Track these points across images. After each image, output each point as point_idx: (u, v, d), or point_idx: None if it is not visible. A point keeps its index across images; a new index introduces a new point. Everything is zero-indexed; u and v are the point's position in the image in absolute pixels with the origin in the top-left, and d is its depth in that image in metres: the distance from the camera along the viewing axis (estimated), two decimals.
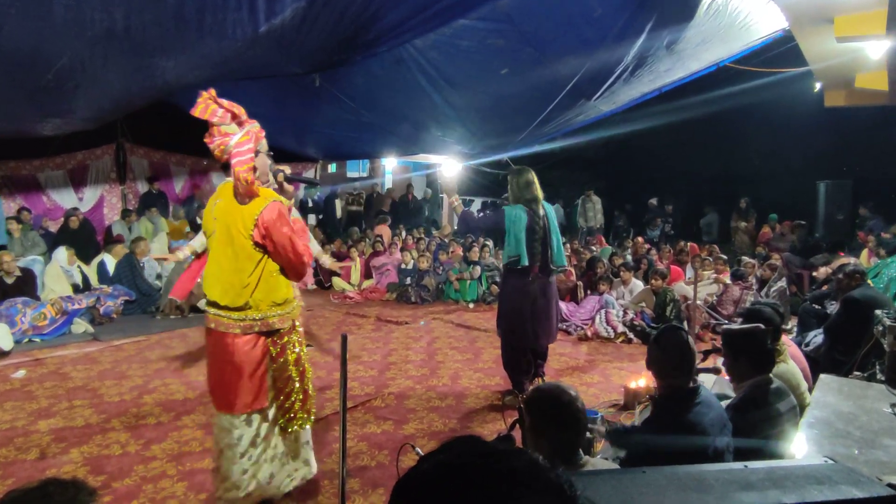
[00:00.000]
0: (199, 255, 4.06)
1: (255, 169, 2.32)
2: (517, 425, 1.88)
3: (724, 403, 2.38)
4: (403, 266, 8.62)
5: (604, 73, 6.95)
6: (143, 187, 9.90)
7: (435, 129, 9.23)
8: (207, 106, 2.24)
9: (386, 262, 8.84)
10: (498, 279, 8.52)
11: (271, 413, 2.46)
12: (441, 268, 8.63)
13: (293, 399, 2.46)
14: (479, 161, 13.09)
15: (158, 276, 7.59)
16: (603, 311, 6.35)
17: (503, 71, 6.71)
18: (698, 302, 5.75)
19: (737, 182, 13.49)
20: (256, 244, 2.32)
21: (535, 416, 1.76)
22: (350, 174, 16.59)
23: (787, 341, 3.11)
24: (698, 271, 7.01)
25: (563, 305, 6.78)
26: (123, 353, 5.39)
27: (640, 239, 9.98)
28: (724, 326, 2.60)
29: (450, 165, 13.55)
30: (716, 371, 2.94)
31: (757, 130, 13.02)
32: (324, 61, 5.84)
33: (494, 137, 9.81)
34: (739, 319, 3.63)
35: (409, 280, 8.33)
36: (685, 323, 5.98)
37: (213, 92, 2.28)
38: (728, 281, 7.03)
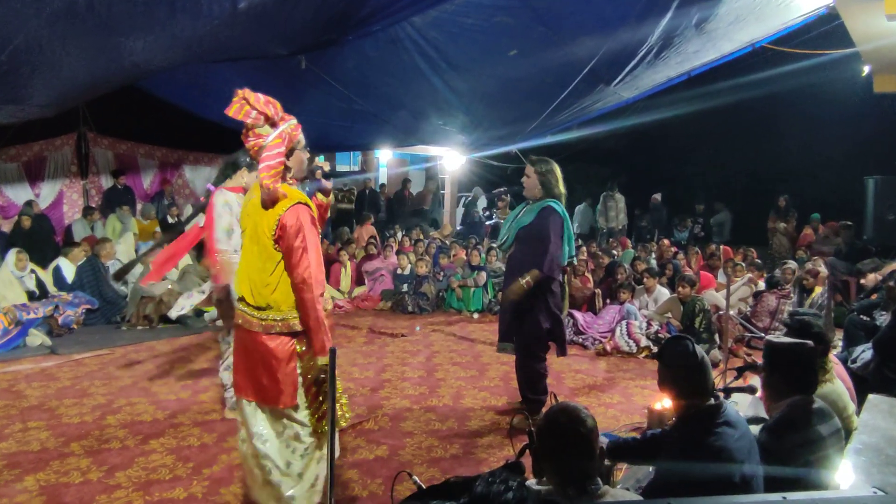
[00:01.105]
0: (179, 236, 4.14)
1: (284, 173, 2.53)
2: (527, 451, 1.88)
3: (758, 427, 2.38)
4: (399, 271, 8.63)
5: (625, 56, 6.96)
6: (107, 182, 9.92)
7: (435, 118, 9.25)
8: (242, 107, 2.45)
9: (380, 266, 8.85)
10: None
11: (303, 415, 2.63)
12: (442, 273, 8.64)
13: (326, 400, 2.61)
14: (484, 153, 13.12)
15: (125, 282, 7.60)
16: (624, 323, 6.35)
17: (512, 52, 6.73)
18: (731, 312, 5.75)
19: (775, 177, 13.48)
20: (277, 245, 2.51)
21: (545, 440, 1.76)
22: (340, 168, 16.61)
23: (833, 359, 3.10)
24: (731, 278, 7.01)
25: (579, 316, 6.78)
26: (85, 368, 5.40)
27: (665, 241, 9.98)
28: (768, 337, 2.59)
29: (452, 158, 13.62)
30: (751, 391, 2.94)
31: (797, 119, 13.02)
32: (311, 41, 5.86)
33: (502, 127, 9.83)
34: (782, 330, 3.63)
35: (405, 287, 8.34)
36: (717, 336, 5.98)
37: (247, 92, 2.48)
38: (762, 286, 7.02)
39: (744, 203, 13.05)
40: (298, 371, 2.59)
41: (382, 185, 13.99)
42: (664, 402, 3.98)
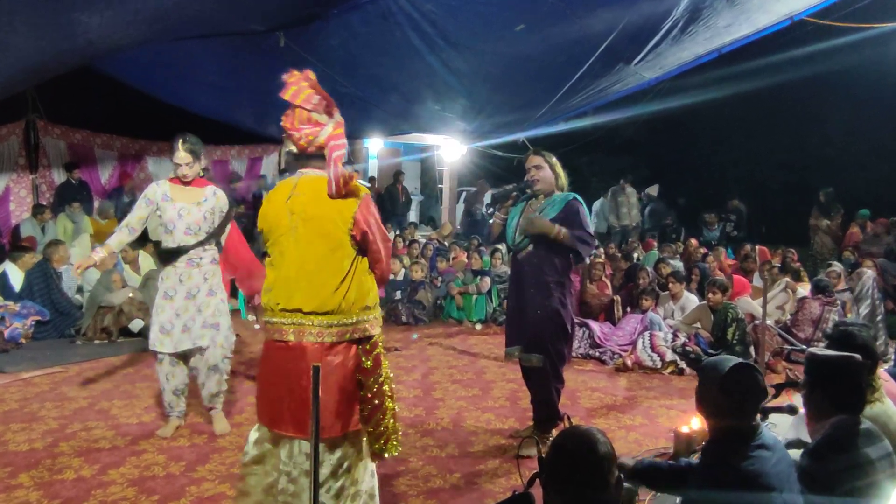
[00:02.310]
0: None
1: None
2: (537, 479, 1.88)
3: (799, 452, 2.38)
4: (392, 277, 8.63)
5: (647, 31, 6.97)
6: (60, 176, 9.91)
7: (432, 102, 9.26)
8: (301, 90, 2.48)
9: None
10: None
11: (362, 437, 2.67)
12: (440, 279, 8.64)
13: (388, 419, 2.67)
14: (487, 142, 13.14)
15: (80, 290, 7.59)
16: (647, 334, 6.35)
17: (519, 27, 6.74)
18: (769, 322, 5.76)
19: (815, 168, 13.53)
20: (354, 240, 2.59)
21: (552, 468, 1.76)
22: None
23: (884, 375, 3.10)
24: (768, 282, 7.02)
25: (595, 326, 6.79)
26: (34, 388, 5.39)
27: (693, 241, 10.00)
28: (810, 349, 2.61)
29: (451, 148, 13.65)
30: (791, 410, 2.93)
31: (843, 103, 13.06)
32: (290, 16, 5.87)
33: (507, 112, 9.84)
34: (825, 343, 3.63)
35: (398, 294, 8.34)
36: (751, 348, 5.98)
37: (310, 74, 2.52)
38: (804, 292, 7.02)
39: (781, 198, 13.09)
40: (359, 388, 2.62)
41: (372, 179, 13.99)
42: (692, 425, 3.98)
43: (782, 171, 14.67)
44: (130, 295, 7.08)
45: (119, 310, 6.97)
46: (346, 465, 2.62)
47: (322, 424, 2.46)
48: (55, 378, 5.65)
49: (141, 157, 11.04)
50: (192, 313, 4.17)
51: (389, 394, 2.69)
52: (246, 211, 10.38)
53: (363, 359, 2.61)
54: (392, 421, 2.70)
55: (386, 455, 2.71)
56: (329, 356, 2.54)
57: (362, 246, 2.61)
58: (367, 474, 2.73)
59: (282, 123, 2.59)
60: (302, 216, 2.57)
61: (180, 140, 4.09)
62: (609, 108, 10.63)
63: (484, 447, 4.27)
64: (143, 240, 8.88)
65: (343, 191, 2.52)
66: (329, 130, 2.55)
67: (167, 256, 4.16)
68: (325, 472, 2.57)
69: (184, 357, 4.26)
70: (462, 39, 6.95)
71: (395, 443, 2.72)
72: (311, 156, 2.61)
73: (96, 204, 9.92)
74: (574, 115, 10.79)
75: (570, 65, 7.56)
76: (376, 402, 2.62)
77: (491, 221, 4.32)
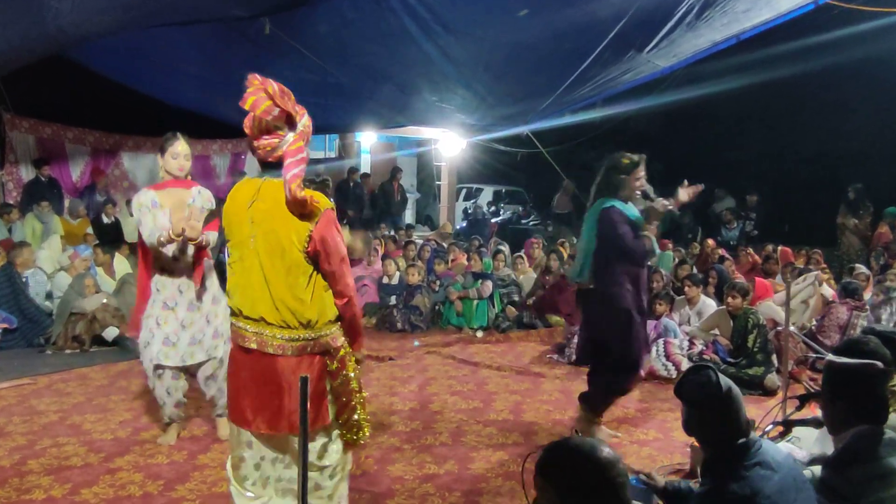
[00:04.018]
0: (145, 268, 4.23)
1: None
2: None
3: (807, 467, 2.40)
4: (386, 280, 8.63)
5: (660, 16, 6.99)
6: (28, 173, 9.92)
7: (428, 93, 9.27)
8: (261, 101, 2.51)
9: (362, 274, 8.85)
10: (516, 297, 8.52)
11: (334, 429, 2.88)
12: (438, 282, 8.64)
13: (358, 411, 2.90)
14: (488, 136, 13.16)
15: (49, 296, 7.59)
16: (661, 342, 6.35)
17: (522, 12, 6.76)
18: (792, 328, 5.76)
19: (843, 163, 13.54)
20: (309, 257, 2.68)
21: (554, 485, 1.76)
22: (314, 154, 16.64)
23: None
24: (791, 285, 7.02)
25: None
26: (0, 401, 5.39)
27: (710, 242, 10.01)
28: (828, 357, 2.62)
29: (449, 142, 13.67)
30: (816, 423, 2.94)
31: (872, 93, 13.06)
32: (277, 1, 5.88)
33: (510, 104, 9.86)
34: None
35: (393, 300, 8.34)
36: (774, 357, 5.98)
37: (267, 82, 2.54)
38: (829, 294, 7.02)
39: (806, 195, 13.09)
40: (328, 388, 2.79)
41: (366, 175, 13.99)
42: None
43: (807, 166, 14.67)
44: (104, 301, 7.08)
45: (92, 317, 6.97)
46: (330, 448, 2.86)
47: (291, 421, 2.72)
48: (23, 390, 5.65)
49: (115, 152, 11.05)
50: (200, 325, 4.20)
51: (357, 389, 2.88)
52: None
53: (328, 362, 2.78)
54: (362, 413, 2.91)
55: (360, 443, 2.94)
56: (293, 366, 2.71)
57: (317, 264, 2.70)
58: (346, 455, 2.98)
59: (244, 126, 2.66)
60: (261, 227, 2.66)
61: (180, 133, 4.12)
62: (619, 99, 10.66)
63: (486, 464, 4.27)
64: (116, 242, 8.90)
65: (298, 211, 2.60)
66: (288, 142, 2.60)
67: (161, 265, 4.15)
68: (312, 458, 2.78)
69: (184, 369, 4.27)
70: (461, 26, 6.96)
71: (365, 430, 2.94)
72: (272, 164, 2.67)
73: (67, 203, 9.92)
74: (581, 107, 10.81)
75: (577, 53, 7.57)
76: (344, 399, 2.82)
77: (644, 239, 4.35)
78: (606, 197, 4.36)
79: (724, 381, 2.26)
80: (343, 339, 2.84)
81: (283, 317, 2.69)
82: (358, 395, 2.88)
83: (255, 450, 2.86)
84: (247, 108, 2.54)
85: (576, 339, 6.75)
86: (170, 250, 4.02)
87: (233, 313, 2.80)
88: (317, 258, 2.67)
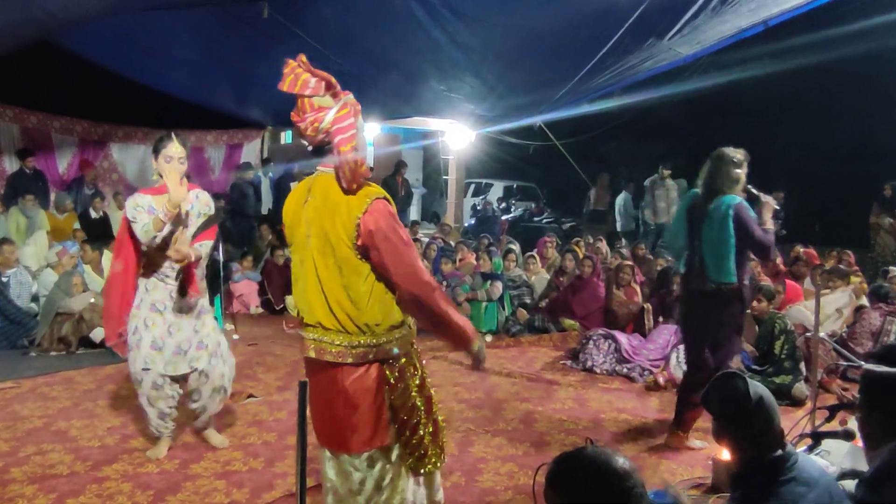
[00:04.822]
0: (125, 270, 4.20)
1: (357, 149, 2.63)
2: None
3: (850, 483, 2.38)
4: None
5: (682, 1, 6.96)
6: (12, 165, 9.96)
7: (436, 82, 9.27)
8: (297, 77, 2.56)
9: None
10: (527, 299, 8.51)
11: (395, 452, 2.83)
12: (444, 283, 8.65)
13: (421, 433, 2.83)
14: (499, 128, 13.14)
15: (34, 299, 7.61)
16: (681, 348, 6.33)
17: None
18: (821, 334, 5.73)
19: (878, 158, 13.45)
20: (361, 255, 2.64)
21: (567, 498, 1.75)
22: None
23: None
24: (821, 289, 6.99)
25: (622, 339, 6.79)
26: None
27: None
28: (866, 366, 2.61)
29: (457, 134, 13.66)
30: (847, 436, 2.93)
31: None
32: None
33: (523, 93, 9.84)
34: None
35: None
36: (802, 365, 5.96)
37: (303, 58, 2.61)
38: (864, 301, 6.98)
39: (838, 192, 13.01)
40: (388, 404, 2.76)
41: (369, 169, 14.01)
42: None
43: (839, 161, 14.58)
44: (92, 300, 7.10)
45: (79, 317, 7.00)
46: (388, 478, 2.80)
47: (350, 438, 2.74)
48: (6, 394, 5.67)
49: (104, 143, 11.09)
50: (187, 334, 4.20)
51: (423, 407, 2.84)
52: (225, 206, 10.42)
53: (387, 373, 2.75)
54: (429, 437, 2.86)
55: (422, 471, 2.87)
56: (351, 375, 2.70)
57: (370, 261, 2.64)
58: (412, 486, 2.90)
59: (291, 118, 2.68)
60: (314, 226, 2.67)
61: (174, 133, 4.08)
62: (639, 87, 10.61)
63: (494, 475, 4.27)
64: (105, 238, 8.93)
65: (354, 182, 2.59)
66: (333, 114, 2.60)
67: (154, 267, 4.15)
68: (368, 486, 2.78)
69: (173, 378, 4.27)
70: (470, 10, 6.95)
71: (433, 460, 2.88)
72: (322, 148, 2.67)
73: (53, 196, 9.96)
74: (599, 96, 10.77)
75: (594, 39, 7.56)
76: (404, 417, 2.78)
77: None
78: (726, 192, 4.45)
79: (755, 389, 2.23)
80: (408, 347, 2.81)
81: (340, 320, 2.67)
82: (422, 414, 2.83)
83: (329, 470, 2.86)
84: (286, 88, 2.56)
85: (590, 345, 6.79)
86: (160, 237, 3.93)
87: (300, 322, 2.81)
88: (367, 254, 2.62)
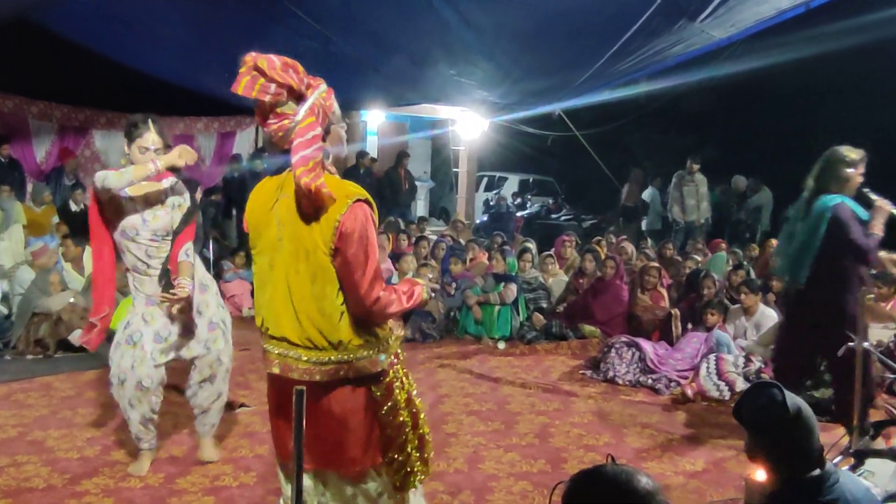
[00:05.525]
0: (100, 259, 4.26)
1: (323, 164, 2.57)
2: None
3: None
4: (395, 282, 8.64)
5: None
6: None
7: (445, 66, 9.26)
8: (254, 81, 2.47)
9: None
10: (544, 303, 8.50)
11: (384, 473, 2.86)
12: (454, 285, 8.65)
13: (408, 450, 2.85)
14: (514, 116, 13.14)
15: (4, 297, 7.64)
16: (712, 357, 6.32)
17: None
18: (866, 345, 5.69)
19: None
20: (336, 260, 2.61)
21: None
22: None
23: None
24: (865, 294, 6.95)
25: (648, 347, 6.77)
26: None
27: (772, 242, 9.93)
28: None
29: (469, 123, 13.66)
30: (894, 455, 2.92)
31: None
32: None
33: (540, 79, 9.83)
34: None
35: None
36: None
37: (258, 58, 2.49)
38: None
39: (886, 187, 12.92)
40: (378, 420, 2.77)
41: (372, 161, 14.01)
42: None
43: (888, 153, 14.49)
44: (71, 300, 7.13)
45: (57, 318, 7.02)
46: (385, 495, 2.86)
47: (342, 457, 2.77)
48: None
49: (86, 130, 11.13)
50: (190, 315, 4.20)
51: (410, 422, 2.85)
52: (216, 200, 10.45)
53: (372, 389, 2.74)
54: (416, 453, 2.88)
55: (408, 489, 2.89)
56: (333, 394, 2.71)
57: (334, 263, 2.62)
58: (415, 500, 2.99)
59: (257, 121, 2.65)
60: (288, 228, 2.61)
61: (150, 119, 4.08)
62: (668, 74, 10.58)
63: (506, 495, 4.27)
64: (87, 233, 8.95)
65: (311, 208, 2.54)
66: (298, 122, 2.53)
67: (134, 265, 4.17)
68: (360, 501, 2.86)
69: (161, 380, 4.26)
70: None
71: (420, 476, 2.91)
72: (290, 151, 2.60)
73: (30, 187, 10.01)
74: (624, 83, 10.75)
75: (619, 20, 7.54)
76: (390, 434, 2.79)
77: (873, 238, 4.64)
78: (832, 192, 4.59)
79: (793, 401, 2.23)
80: (386, 358, 2.77)
81: (309, 334, 2.63)
82: (409, 430, 2.85)
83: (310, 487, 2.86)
84: (240, 92, 2.49)
85: (612, 353, 6.77)
86: (129, 187, 3.95)
87: (262, 333, 2.77)
88: (336, 257, 2.60)
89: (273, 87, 2.48)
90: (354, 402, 2.72)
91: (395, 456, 2.81)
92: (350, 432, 2.72)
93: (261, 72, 2.46)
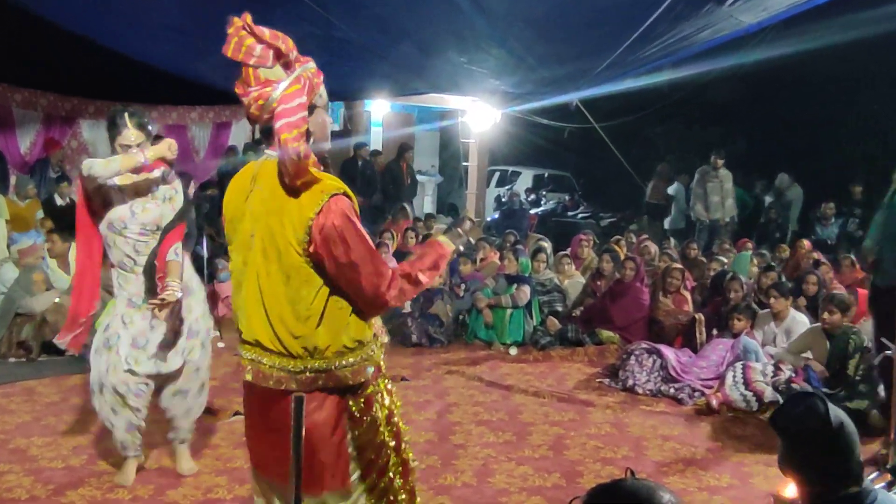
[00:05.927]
0: (87, 255, 4.28)
1: (308, 135, 2.53)
2: None
3: None
4: None
5: None
6: None
7: (455, 53, 9.26)
8: (242, 41, 2.45)
9: None
10: (559, 306, 8.49)
11: (360, 497, 2.69)
12: (463, 286, 8.65)
13: (391, 475, 2.73)
14: (528, 107, 13.11)
15: None
16: (739, 366, 6.30)
17: None
18: None
19: None
20: (315, 263, 2.52)
21: None
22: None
23: None
24: None
25: (670, 354, 6.75)
26: None
27: (804, 242, 9.90)
28: None
29: (480, 114, 13.64)
30: None
31: None
32: None
33: (556, 66, 9.81)
34: None
35: (408, 307, 8.35)
36: (881, 388, 5.91)
37: (247, 18, 2.49)
38: None
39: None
40: (349, 439, 2.64)
41: (376, 153, 14.02)
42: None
43: None
44: (56, 300, 7.15)
45: (41, 319, 7.05)
46: None
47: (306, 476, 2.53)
48: None
49: (73, 119, 11.15)
50: (172, 322, 4.20)
51: (391, 441, 2.75)
52: (210, 194, 10.46)
53: (350, 403, 2.63)
54: (399, 478, 2.77)
55: None
56: (307, 405, 2.57)
57: (323, 272, 2.54)
58: None
59: (235, 90, 2.57)
60: (260, 224, 2.55)
61: (127, 114, 4.06)
62: (694, 62, 10.53)
63: None
64: (74, 228, 8.98)
65: (297, 178, 2.46)
66: (282, 89, 2.47)
67: (120, 261, 4.19)
68: None
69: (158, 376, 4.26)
70: None
71: (403, 503, 2.77)
72: (268, 129, 2.54)
73: (13, 180, 10.03)
74: (646, 71, 10.71)
75: (642, 3, 7.51)
76: (371, 456, 2.69)
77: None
78: None
79: (836, 413, 2.22)
80: (373, 369, 2.68)
81: (282, 340, 2.55)
82: (392, 453, 2.74)
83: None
84: (228, 54, 2.47)
85: (632, 361, 6.76)
86: (117, 176, 3.97)
87: (238, 337, 2.72)
88: (321, 263, 2.51)
89: (259, 48, 2.45)
90: (324, 413, 2.59)
91: (377, 481, 2.70)
92: (312, 449, 2.52)
93: (249, 30, 2.45)
